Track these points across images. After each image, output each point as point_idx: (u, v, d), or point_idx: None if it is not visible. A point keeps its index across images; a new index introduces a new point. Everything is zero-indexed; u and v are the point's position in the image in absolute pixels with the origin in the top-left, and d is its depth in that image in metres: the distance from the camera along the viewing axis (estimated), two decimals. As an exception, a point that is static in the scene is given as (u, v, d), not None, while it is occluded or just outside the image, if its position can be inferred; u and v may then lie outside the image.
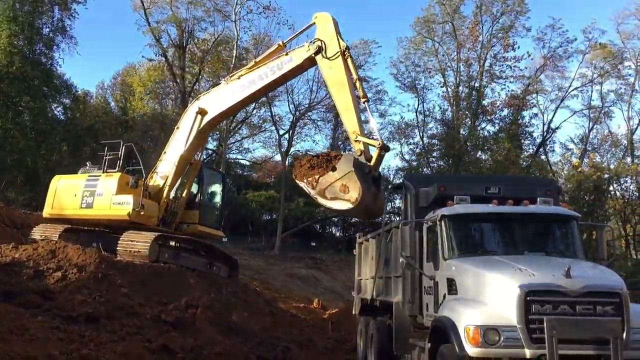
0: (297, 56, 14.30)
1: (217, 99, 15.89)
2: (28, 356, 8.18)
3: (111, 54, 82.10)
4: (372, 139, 12.70)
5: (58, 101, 37.61)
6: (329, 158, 11.74)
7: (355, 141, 12.26)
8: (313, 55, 13.67)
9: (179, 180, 16.80)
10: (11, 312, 9.61)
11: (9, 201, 28.98)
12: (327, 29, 13.74)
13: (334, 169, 11.26)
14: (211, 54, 40.72)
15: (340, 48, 13.26)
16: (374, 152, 11.95)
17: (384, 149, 11.82)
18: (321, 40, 13.56)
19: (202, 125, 16.04)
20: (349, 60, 13.22)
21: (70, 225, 16.40)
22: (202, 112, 15.89)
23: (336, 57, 13.22)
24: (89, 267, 12.14)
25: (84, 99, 42.04)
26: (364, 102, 13.11)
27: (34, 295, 10.89)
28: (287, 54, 14.65)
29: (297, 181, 11.94)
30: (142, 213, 15.24)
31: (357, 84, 13.16)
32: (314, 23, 14.16)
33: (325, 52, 13.42)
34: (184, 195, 16.97)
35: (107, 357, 9.09)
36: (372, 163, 11.69)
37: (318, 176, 11.39)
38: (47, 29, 35.59)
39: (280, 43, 15.63)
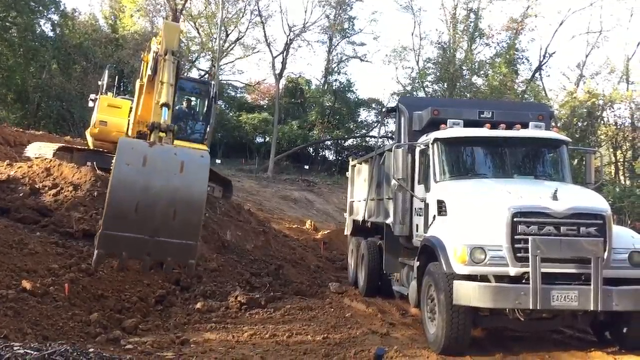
0: None
1: None
2: (28, 269, 8.43)
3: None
4: None
5: (46, 17, 36.60)
6: None
7: None
8: None
9: None
10: (9, 227, 9.80)
11: (0, 119, 28.77)
12: None
13: None
14: (204, -31, 39.31)
15: None
16: None
17: None
18: None
19: None
20: None
21: (63, 144, 16.39)
22: None
23: None
24: (84, 185, 12.22)
25: (72, 15, 40.82)
26: None
27: (31, 211, 11.07)
28: None
29: None
30: (96, 130, 15.18)
31: None
32: None
33: None
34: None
35: (105, 271, 9.37)
36: None
37: None
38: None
39: None
